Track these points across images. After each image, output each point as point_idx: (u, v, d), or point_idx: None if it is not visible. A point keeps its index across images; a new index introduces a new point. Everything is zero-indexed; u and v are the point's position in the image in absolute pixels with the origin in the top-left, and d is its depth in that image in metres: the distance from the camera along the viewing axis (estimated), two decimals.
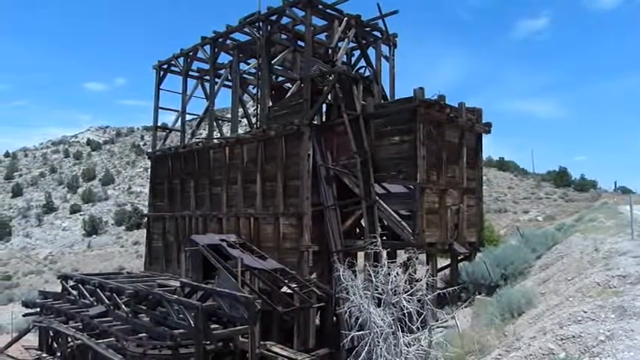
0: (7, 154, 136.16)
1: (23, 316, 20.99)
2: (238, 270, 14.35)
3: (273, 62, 18.71)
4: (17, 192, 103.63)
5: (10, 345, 18.94)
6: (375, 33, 18.89)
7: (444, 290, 12.02)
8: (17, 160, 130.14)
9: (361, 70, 18.75)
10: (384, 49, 19.19)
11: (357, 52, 19.72)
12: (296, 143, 15.94)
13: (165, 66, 23.23)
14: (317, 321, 16.17)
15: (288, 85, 20.60)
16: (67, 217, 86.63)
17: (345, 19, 16.77)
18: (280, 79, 21.00)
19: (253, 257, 15.74)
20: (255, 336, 13.29)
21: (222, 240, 16.46)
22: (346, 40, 17.29)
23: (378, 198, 14.76)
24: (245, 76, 21.55)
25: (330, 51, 17.35)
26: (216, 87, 21.11)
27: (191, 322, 12.90)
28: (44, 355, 18.24)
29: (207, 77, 21.78)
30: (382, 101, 17.44)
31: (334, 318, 15.86)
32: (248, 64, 21.72)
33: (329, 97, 16.65)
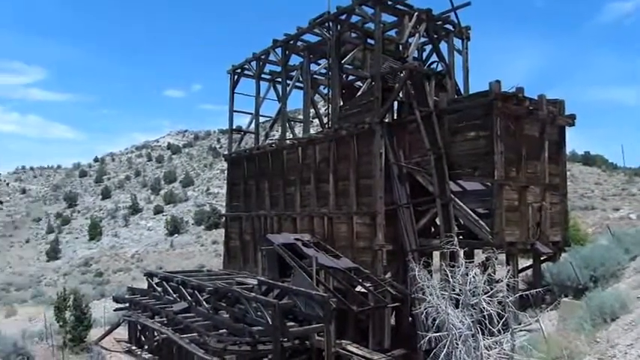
0: (96, 160, 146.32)
1: (114, 310, 22.39)
2: (313, 269, 14.49)
3: (343, 61, 18.70)
4: (106, 194, 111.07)
5: (103, 337, 20.29)
6: (447, 26, 18.38)
7: (527, 292, 11.49)
8: (105, 164, 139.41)
9: (433, 65, 18.30)
10: (457, 42, 18.64)
11: (428, 47, 19.28)
12: (368, 142, 15.85)
13: (238, 70, 23.90)
14: (392, 321, 15.99)
15: (359, 83, 20.53)
16: (151, 218, 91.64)
17: (416, 14, 16.44)
18: (351, 78, 20.98)
19: (327, 256, 15.83)
20: (330, 334, 13.36)
21: (297, 239, 16.68)
22: (417, 35, 16.95)
23: (453, 196, 14.35)
24: (316, 76, 21.72)
25: (400, 47, 17.05)
26: (287, 88, 21.43)
27: (268, 319, 13.18)
28: (133, 347, 19.34)
29: (279, 79, 22.16)
30: (456, 96, 16.94)
31: (410, 318, 15.61)
32: (318, 64, 21.87)
33: (400, 94, 16.40)
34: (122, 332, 21.03)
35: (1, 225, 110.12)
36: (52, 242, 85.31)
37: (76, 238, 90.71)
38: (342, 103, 18.51)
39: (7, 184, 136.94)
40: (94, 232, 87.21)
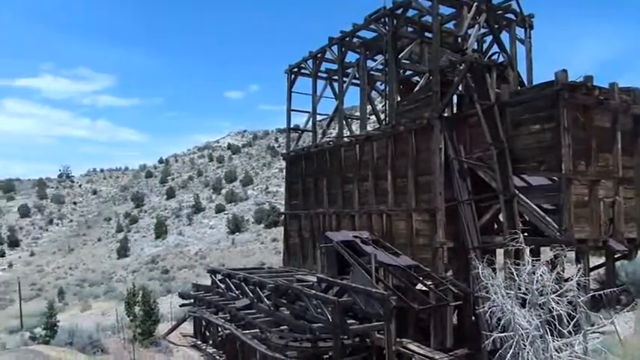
0: (160, 161, 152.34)
1: (180, 306, 23.22)
2: (372, 266, 14.41)
3: (400, 56, 18.45)
4: (170, 194, 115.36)
5: (170, 332, 21.11)
6: (509, 15, 17.74)
7: (600, 292, 10.90)
8: (169, 165, 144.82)
9: (494, 57, 17.72)
10: (519, 32, 17.95)
11: (489, 38, 18.68)
12: (426, 137, 15.56)
13: (295, 69, 24.13)
14: (454, 320, 15.65)
15: (417, 78, 20.18)
16: (213, 217, 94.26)
17: (475, 4, 15.96)
18: (408, 73, 20.67)
19: (386, 254, 15.69)
20: (391, 332, 13.24)
21: (356, 236, 16.64)
22: (476, 26, 16.46)
23: (517, 191, 13.84)
24: (372, 72, 21.57)
25: (459, 39, 16.63)
26: (344, 86, 21.41)
27: (329, 316, 13.23)
28: (198, 342, 19.99)
29: (336, 77, 22.17)
30: (519, 88, 16.33)
31: (473, 318, 15.21)
32: (375, 60, 21.71)
33: (460, 87, 15.99)
34: (188, 327, 21.78)
35: (75, 224, 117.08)
36: (121, 240, 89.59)
37: (144, 236, 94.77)
38: (399, 99, 18.28)
39: (80, 185, 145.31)
40: (160, 230, 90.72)
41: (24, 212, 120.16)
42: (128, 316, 20.45)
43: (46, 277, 74.29)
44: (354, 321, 14.04)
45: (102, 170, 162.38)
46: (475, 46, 17.78)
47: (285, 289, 15.84)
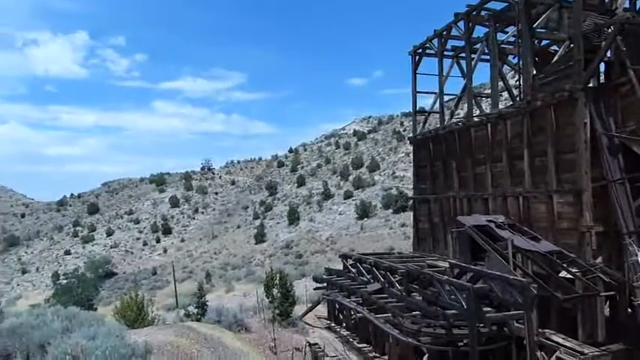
0: (290, 150, 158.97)
1: (314, 289, 24.09)
2: (509, 252, 13.60)
3: (535, 25, 17.01)
4: (301, 182, 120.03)
5: (306, 313, 22.02)
6: None
7: None
8: (299, 154, 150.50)
9: None
10: None
11: None
12: (568, 112, 14.19)
13: (420, 50, 23.45)
14: (606, 312, 14.21)
15: (555, 48, 18.51)
16: (342, 203, 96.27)
17: None
18: (544, 43, 19.04)
19: (525, 239, 14.69)
20: (532, 322, 12.42)
21: (490, 221, 15.80)
22: None
23: None
24: (503, 46, 20.22)
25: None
26: (472, 63, 20.35)
27: (462, 303, 12.78)
28: (332, 324, 20.57)
29: (463, 55, 21.17)
30: None
31: (629, 310, 13.68)
32: (506, 32, 20.30)
33: (608, 53, 14.31)
34: (322, 309, 22.52)
35: (218, 213, 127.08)
36: (258, 227, 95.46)
37: (278, 223, 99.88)
38: (535, 72, 16.91)
39: (220, 177, 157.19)
40: (293, 217, 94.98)
41: (174, 203, 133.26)
42: (267, 298, 21.70)
43: (194, 262, 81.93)
44: (489, 309, 13.39)
45: (238, 162, 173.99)
46: (627, 4, 15.78)
47: (416, 275, 15.61)
